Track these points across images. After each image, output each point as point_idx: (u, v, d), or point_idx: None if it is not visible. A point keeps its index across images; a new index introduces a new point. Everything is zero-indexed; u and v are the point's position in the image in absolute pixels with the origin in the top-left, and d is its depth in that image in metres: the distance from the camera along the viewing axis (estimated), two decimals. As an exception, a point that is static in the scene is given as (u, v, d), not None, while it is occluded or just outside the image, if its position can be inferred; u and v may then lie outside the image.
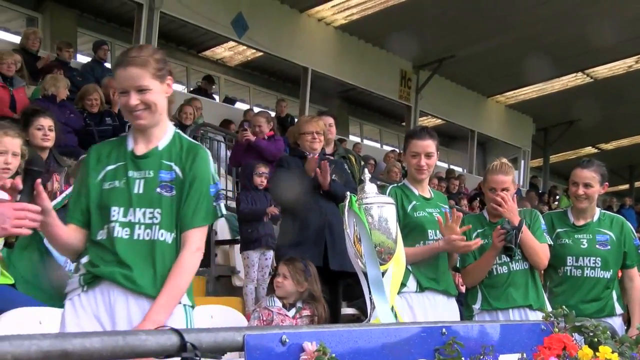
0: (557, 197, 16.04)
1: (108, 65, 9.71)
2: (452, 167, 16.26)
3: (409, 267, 3.35)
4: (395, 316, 2.37)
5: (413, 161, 3.65)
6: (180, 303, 2.35)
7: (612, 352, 2.05)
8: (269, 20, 11.73)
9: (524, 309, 3.67)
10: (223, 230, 7.34)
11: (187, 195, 2.38)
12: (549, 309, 3.32)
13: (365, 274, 2.15)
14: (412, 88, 14.77)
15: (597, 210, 4.06)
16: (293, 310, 3.97)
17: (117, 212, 2.35)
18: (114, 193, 2.37)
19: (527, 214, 3.89)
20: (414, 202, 3.64)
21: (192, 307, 2.44)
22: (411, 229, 3.56)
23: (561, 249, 3.95)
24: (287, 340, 1.72)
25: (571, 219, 4.05)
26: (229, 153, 9.53)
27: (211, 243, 6.65)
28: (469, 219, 3.97)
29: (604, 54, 13.69)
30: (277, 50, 12.29)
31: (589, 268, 3.89)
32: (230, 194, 9.28)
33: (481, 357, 2.05)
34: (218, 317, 3.70)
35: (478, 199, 11.33)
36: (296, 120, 11.23)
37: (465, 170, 17.01)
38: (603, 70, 15.06)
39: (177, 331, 1.61)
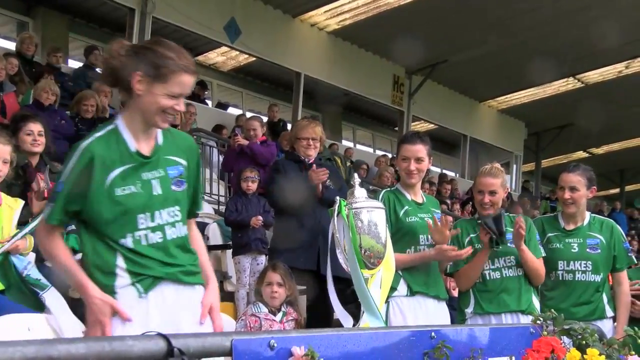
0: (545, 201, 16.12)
1: (99, 70, 9.69)
2: (445, 171, 16.29)
3: (399, 272, 3.36)
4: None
5: (403, 165, 3.69)
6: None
7: (600, 354, 2.05)
8: (262, 26, 11.75)
9: (517, 314, 3.67)
10: (215, 235, 7.33)
11: (195, 182, 2.49)
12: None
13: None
14: (405, 93, 14.81)
15: (588, 214, 4.07)
16: (280, 315, 3.96)
17: (144, 219, 2.33)
18: (134, 199, 2.31)
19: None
20: (406, 207, 3.66)
21: None
22: (403, 234, 3.58)
23: (552, 253, 3.96)
24: (276, 345, 1.72)
25: (562, 224, 4.06)
26: (221, 158, 9.53)
27: (203, 248, 6.62)
28: (461, 224, 3.98)
29: (595, 59, 13.79)
30: (270, 56, 12.30)
31: (580, 272, 3.90)
32: (222, 199, 9.28)
33: (470, 360, 2.05)
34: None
35: (471, 203, 11.36)
36: (289, 125, 11.25)
37: (457, 175, 17.05)
38: (594, 76, 15.17)
39: (164, 336, 1.60)
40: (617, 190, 21.26)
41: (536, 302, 3.76)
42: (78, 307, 3.55)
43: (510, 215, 3.91)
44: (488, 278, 3.75)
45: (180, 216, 2.40)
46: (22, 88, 7.69)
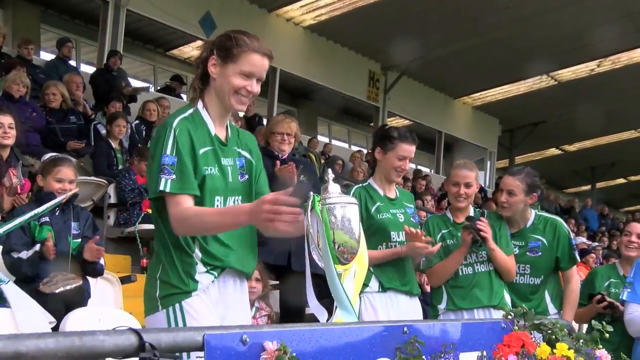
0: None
1: (73, 62, 9.56)
2: (419, 167, 16.38)
3: (371, 269, 3.37)
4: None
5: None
6: None
7: (569, 349, 2.09)
8: (238, 20, 11.67)
9: (489, 309, 3.71)
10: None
11: (260, 174, 2.50)
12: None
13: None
14: (381, 89, 14.87)
15: (533, 214, 4.04)
16: (253, 310, 3.96)
17: (219, 202, 2.35)
18: (215, 181, 2.34)
19: (494, 218, 3.93)
20: (377, 203, 3.67)
21: None
22: (374, 231, 3.59)
23: None
24: (248, 340, 1.70)
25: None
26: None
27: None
28: (433, 220, 4.00)
29: (568, 57, 13.96)
30: (245, 50, 12.22)
31: (518, 274, 3.91)
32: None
33: (442, 355, 2.06)
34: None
35: (446, 198, 11.44)
36: (265, 120, 11.21)
37: (432, 171, 17.16)
38: (567, 73, 15.36)
39: (135, 331, 1.58)
40: (588, 187, 21.55)
41: (507, 297, 3.79)
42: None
43: (479, 210, 3.96)
44: (460, 274, 3.78)
45: None
46: (-9, 80, 7.56)
